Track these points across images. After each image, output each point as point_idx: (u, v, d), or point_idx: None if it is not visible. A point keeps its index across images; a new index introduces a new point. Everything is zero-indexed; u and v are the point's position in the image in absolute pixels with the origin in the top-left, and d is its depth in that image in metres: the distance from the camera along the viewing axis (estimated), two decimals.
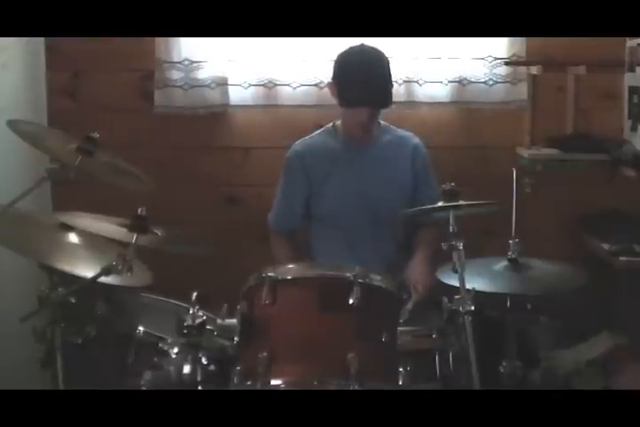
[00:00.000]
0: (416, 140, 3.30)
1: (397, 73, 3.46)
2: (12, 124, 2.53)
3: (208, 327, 2.42)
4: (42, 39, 3.50)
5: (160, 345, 2.53)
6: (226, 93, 3.58)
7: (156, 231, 2.48)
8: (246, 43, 3.52)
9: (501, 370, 2.58)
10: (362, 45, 3.13)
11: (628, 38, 3.33)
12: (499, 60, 3.54)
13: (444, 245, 2.44)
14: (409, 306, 2.65)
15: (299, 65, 3.55)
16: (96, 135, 2.53)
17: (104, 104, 3.63)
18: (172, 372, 2.47)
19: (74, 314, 2.37)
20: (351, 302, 2.29)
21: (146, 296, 2.69)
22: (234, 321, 2.40)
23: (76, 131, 2.60)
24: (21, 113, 3.21)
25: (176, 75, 3.55)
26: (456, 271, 2.40)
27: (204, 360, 2.43)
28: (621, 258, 3.10)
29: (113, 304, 2.58)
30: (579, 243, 3.47)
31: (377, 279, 2.40)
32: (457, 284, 2.40)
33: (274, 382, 2.25)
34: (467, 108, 3.60)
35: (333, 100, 3.15)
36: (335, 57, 3.15)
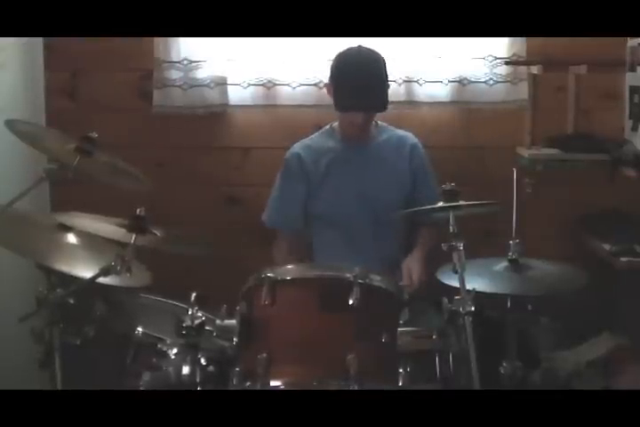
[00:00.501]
0: (414, 139, 3.30)
1: (397, 73, 3.46)
2: (10, 124, 2.53)
3: (207, 328, 2.42)
4: (40, 39, 3.50)
5: (159, 346, 2.52)
6: (225, 93, 3.57)
7: (155, 231, 2.48)
8: (245, 42, 3.51)
9: (502, 371, 2.57)
10: (359, 47, 3.13)
11: (628, 38, 3.32)
12: (499, 60, 3.53)
13: (444, 246, 2.44)
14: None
15: (298, 65, 3.54)
16: (94, 135, 2.53)
17: (103, 104, 3.62)
18: (170, 373, 2.46)
19: (72, 315, 2.38)
20: (351, 302, 2.29)
21: (145, 297, 2.68)
22: (233, 322, 2.40)
23: (74, 131, 2.59)
24: (19, 113, 3.20)
25: (175, 74, 3.54)
26: (456, 272, 2.40)
27: (203, 361, 2.43)
28: (622, 258, 3.09)
29: (112, 305, 2.57)
30: (579, 243, 3.46)
31: (377, 280, 2.40)
32: (457, 284, 2.39)
33: (273, 383, 2.25)
34: (467, 108, 3.59)
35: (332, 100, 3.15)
36: (333, 58, 3.15)
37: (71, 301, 2.32)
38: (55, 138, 2.64)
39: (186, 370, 2.42)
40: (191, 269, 3.28)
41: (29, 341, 2.33)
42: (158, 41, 3.51)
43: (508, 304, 2.67)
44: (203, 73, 3.55)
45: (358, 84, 3.05)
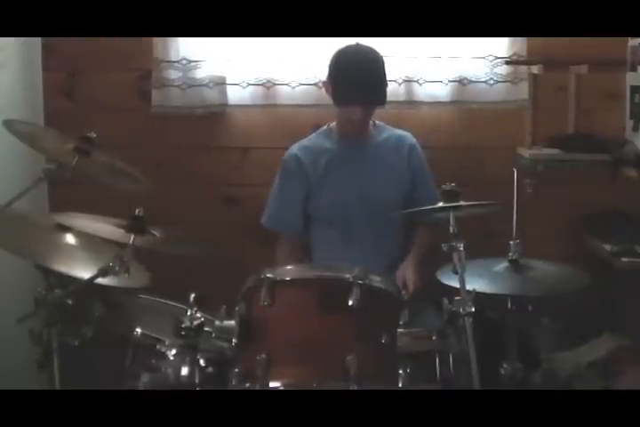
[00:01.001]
0: (412, 139, 3.30)
1: (397, 72, 3.45)
2: (9, 124, 2.52)
3: (206, 329, 2.41)
4: (38, 39, 3.49)
5: (158, 347, 2.52)
6: (224, 93, 3.56)
7: (154, 232, 2.47)
8: (244, 42, 3.50)
9: (502, 372, 2.57)
10: (357, 44, 3.13)
11: (629, 38, 3.31)
12: (499, 60, 3.52)
13: (444, 246, 2.43)
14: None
15: (297, 64, 3.53)
16: (93, 135, 2.52)
17: (101, 104, 3.61)
18: (169, 374, 2.46)
19: (71, 315, 2.37)
20: (350, 303, 2.28)
21: (143, 297, 2.69)
22: (232, 323, 2.39)
23: (72, 131, 2.58)
24: (18, 113, 3.19)
25: (174, 74, 3.53)
26: (456, 272, 2.39)
27: (202, 362, 2.43)
28: (623, 259, 3.08)
29: (110, 306, 2.57)
30: (580, 244, 3.45)
31: (376, 280, 2.39)
32: (457, 285, 2.38)
33: (272, 384, 2.25)
34: (467, 108, 3.58)
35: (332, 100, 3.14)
36: (331, 56, 3.15)
37: (70, 301, 2.32)
38: (53, 138, 2.63)
39: (185, 371, 2.41)
40: (190, 269, 3.27)
41: (28, 342, 2.32)
42: (157, 41, 3.49)
43: (509, 305, 2.67)
44: (202, 73, 3.54)
45: (356, 78, 3.05)
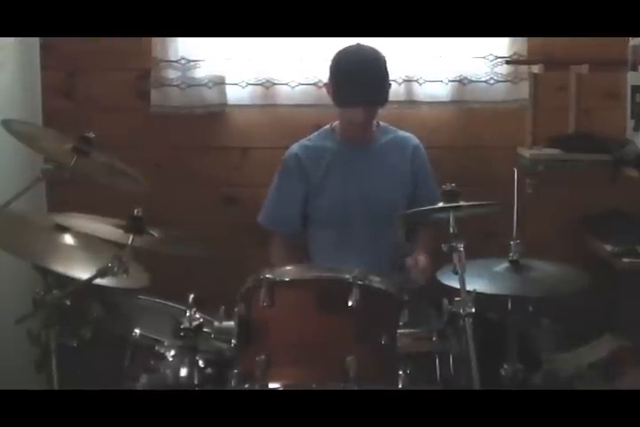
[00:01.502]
0: (416, 140, 3.29)
1: (397, 72, 3.44)
2: (7, 124, 2.52)
3: (205, 330, 2.41)
4: (37, 38, 3.48)
5: (157, 348, 2.52)
6: (223, 93, 3.55)
7: (153, 232, 2.46)
8: (244, 42, 3.49)
9: (502, 373, 2.56)
10: (358, 45, 3.12)
11: (630, 37, 3.30)
12: (500, 59, 3.51)
13: (444, 247, 2.42)
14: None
15: (297, 64, 3.52)
16: (92, 135, 2.52)
17: (100, 104, 3.60)
18: (168, 375, 2.46)
19: (69, 316, 2.37)
20: (350, 303, 2.27)
21: (142, 298, 2.68)
22: (231, 323, 2.38)
23: (71, 131, 2.59)
24: (16, 113, 3.18)
25: (173, 74, 3.52)
26: (456, 273, 2.38)
27: (201, 363, 2.43)
28: (624, 259, 3.08)
29: (109, 306, 2.57)
30: (580, 244, 3.45)
31: (376, 281, 2.38)
32: (457, 285, 2.37)
33: (272, 385, 2.24)
34: (467, 108, 3.57)
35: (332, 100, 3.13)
36: (332, 57, 3.14)
37: (68, 302, 2.32)
38: (52, 138, 2.63)
39: (184, 372, 2.42)
40: (189, 270, 3.27)
41: (26, 343, 2.31)
42: (156, 40, 3.48)
43: (509, 305, 2.66)
44: (201, 72, 3.53)
45: (358, 79, 3.04)
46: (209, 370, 2.42)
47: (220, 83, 3.54)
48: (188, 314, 2.38)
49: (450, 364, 2.42)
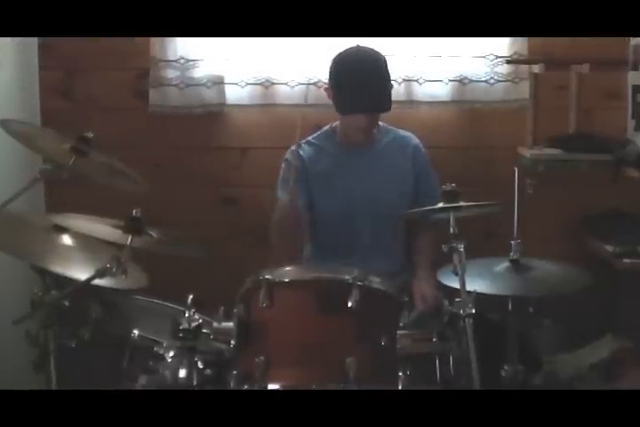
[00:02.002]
0: (416, 140, 3.28)
1: (397, 72, 3.44)
2: (5, 124, 2.51)
3: (204, 331, 2.40)
4: (35, 38, 3.47)
5: (155, 349, 2.50)
6: (222, 92, 3.55)
7: (151, 233, 2.45)
8: (243, 41, 3.49)
9: (503, 374, 2.56)
10: (357, 47, 3.09)
11: (631, 37, 3.29)
12: (500, 59, 3.51)
13: (444, 247, 2.41)
14: (413, 315, 2.62)
15: (296, 64, 3.51)
16: (90, 135, 2.51)
17: (98, 103, 3.60)
18: (167, 376, 2.45)
19: (68, 317, 2.36)
20: (350, 304, 2.27)
21: (141, 299, 2.67)
22: (230, 324, 2.38)
23: (69, 130, 2.57)
24: (14, 112, 3.19)
25: (171, 73, 3.52)
26: (457, 274, 2.38)
27: (200, 364, 2.41)
28: (624, 260, 3.08)
29: (107, 307, 2.56)
30: (581, 244, 3.45)
31: (376, 281, 2.38)
32: (458, 286, 2.37)
33: (271, 386, 2.23)
34: (467, 108, 3.57)
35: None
36: (331, 60, 3.11)
37: (66, 303, 2.31)
38: (50, 138, 2.62)
39: (183, 373, 2.41)
40: (188, 270, 3.25)
41: (24, 343, 2.30)
42: (154, 40, 3.48)
43: (509, 306, 2.65)
44: (199, 72, 3.52)
45: (360, 84, 3.01)
46: (208, 371, 2.41)
47: (218, 82, 3.54)
48: (187, 315, 2.38)
49: (450, 365, 2.40)
